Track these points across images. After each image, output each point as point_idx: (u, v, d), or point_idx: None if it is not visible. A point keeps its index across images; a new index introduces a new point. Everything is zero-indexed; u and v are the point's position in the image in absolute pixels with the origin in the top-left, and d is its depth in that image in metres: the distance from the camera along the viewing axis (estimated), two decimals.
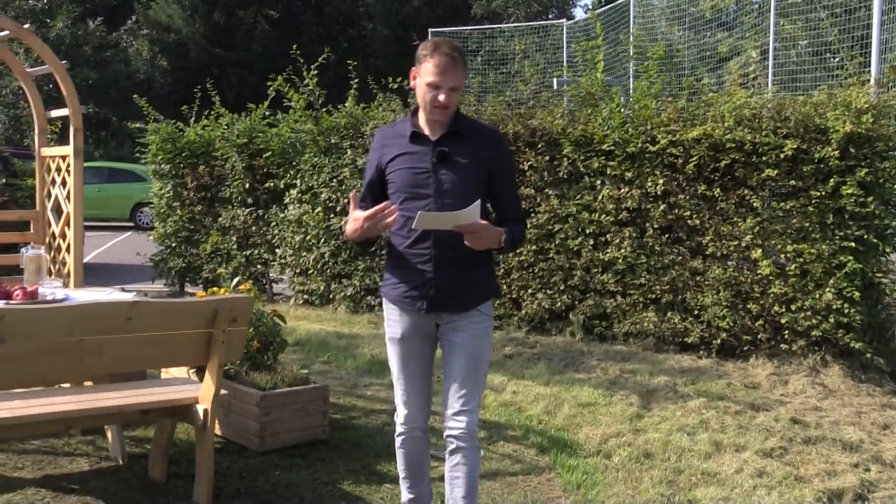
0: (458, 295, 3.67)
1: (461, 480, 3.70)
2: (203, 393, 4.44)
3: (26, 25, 5.88)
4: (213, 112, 11.36)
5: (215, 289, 5.68)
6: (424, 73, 3.57)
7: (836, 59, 11.56)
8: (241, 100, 21.59)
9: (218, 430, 5.19)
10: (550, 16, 36.30)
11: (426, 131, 3.67)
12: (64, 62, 5.85)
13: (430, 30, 23.78)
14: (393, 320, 3.80)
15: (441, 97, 3.54)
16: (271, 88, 10.51)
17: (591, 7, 37.59)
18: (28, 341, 3.84)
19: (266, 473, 4.88)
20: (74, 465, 4.92)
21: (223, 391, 4.67)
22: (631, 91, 9.22)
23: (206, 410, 4.40)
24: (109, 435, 5.06)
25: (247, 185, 10.80)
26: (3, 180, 11.85)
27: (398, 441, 3.90)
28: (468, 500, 3.71)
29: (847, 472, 5.09)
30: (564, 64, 20.18)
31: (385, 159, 3.72)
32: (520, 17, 33.27)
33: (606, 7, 22.93)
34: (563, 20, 23.52)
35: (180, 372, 5.69)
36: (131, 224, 23.90)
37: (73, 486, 4.62)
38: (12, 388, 4.26)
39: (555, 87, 12.74)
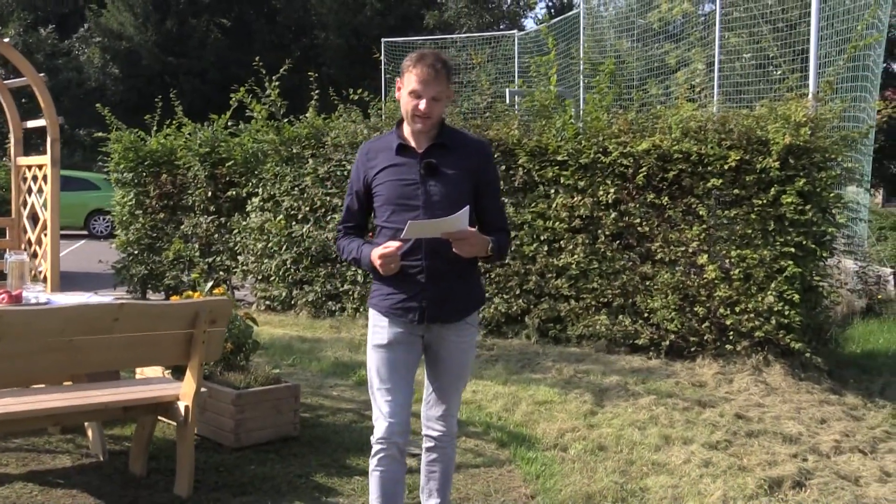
0: (450, 306, 3.69)
1: (437, 474, 3.87)
2: (184, 390, 4.69)
3: (6, 39, 6.08)
4: (174, 121, 11.55)
5: (191, 293, 5.92)
6: (407, 83, 3.59)
7: (779, 73, 12.04)
8: (195, 108, 21.70)
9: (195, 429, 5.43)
10: (502, 26, 36.75)
11: (412, 143, 3.68)
12: (42, 75, 6.07)
13: (382, 40, 24.02)
14: (380, 327, 3.75)
15: (422, 106, 3.56)
16: (233, 99, 10.74)
17: (540, 20, 38.13)
18: (22, 340, 4.07)
19: (242, 468, 5.13)
20: (57, 462, 5.14)
21: (202, 389, 4.92)
22: (582, 101, 9.57)
23: (187, 407, 4.66)
24: (90, 433, 5.28)
25: (209, 194, 11.01)
26: None
27: (373, 462, 3.71)
28: (442, 492, 3.89)
29: (786, 461, 5.43)
30: (516, 75, 20.55)
31: (372, 172, 3.71)
32: (471, 27, 33.66)
33: (557, 19, 23.37)
34: (515, 31, 23.88)
35: (154, 373, 5.93)
36: (85, 232, 23.83)
37: (58, 480, 4.84)
38: (8, 383, 4.48)
39: (507, 98, 13.09)
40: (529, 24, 40.86)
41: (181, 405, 4.67)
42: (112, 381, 5.20)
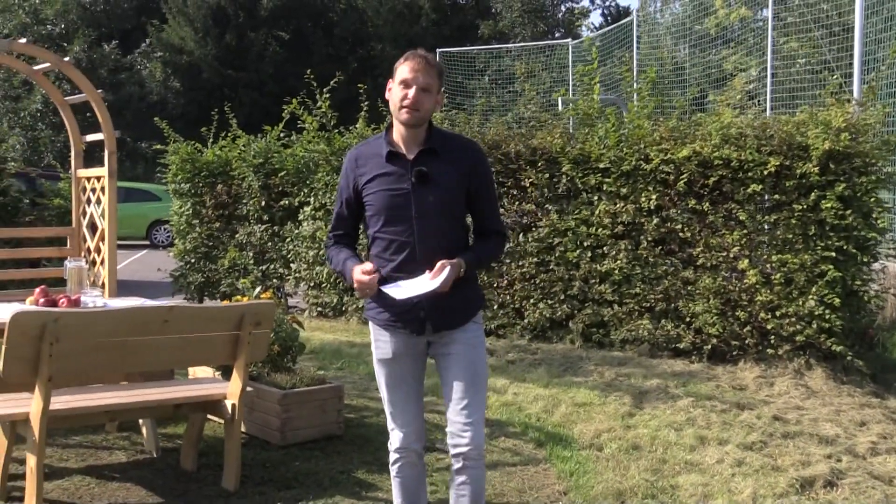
0: (451, 313, 3.64)
1: (466, 499, 3.67)
2: (231, 389, 4.93)
3: (67, 58, 6.42)
4: (229, 133, 11.90)
5: (240, 298, 6.19)
6: (398, 76, 3.55)
7: (834, 77, 12.04)
8: (253, 120, 22.19)
9: (242, 427, 5.67)
10: (557, 35, 36.89)
11: (402, 149, 3.61)
12: (100, 91, 6.40)
13: (437, 50, 24.33)
14: (382, 341, 3.72)
15: (411, 93, 3.50)
16: (286, 111, 11.06)
17: (596, 27, 38.21)
18: (79, 341, 4.33)
19: (287, 464, 5.37)
20: (113, 458, 5.43)
21: (248, 389, 5.17)
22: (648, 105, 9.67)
23: (233, 405, 4.90)
24: (144, 430, 5.56)
25: (263, 203, 11.33)
26: (27, 200, 12.34)
27: (393, 469, 3.78)
28: None
29: (820, 462, 5.49)
30: (570, 83, 20.66)
31: (362, 180, 3.64)
32: (526, 37, 33.85)
33: (611, 26, 23.43)
34: (569, 39, 24.00)
35: (204, 373, 6.20)
36: (147, 242, 24.43)
37: (114, 474, 5.12)
38: (65, 381, 4.75)
39: (560, 106, 13.26)
40: (584, 32, 40.93)
41: (228, 403, 4.92)
42: (165, 380, 5.47)
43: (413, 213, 3.56)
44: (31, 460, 4.31)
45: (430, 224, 3.56)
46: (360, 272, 3.51)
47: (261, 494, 4.86)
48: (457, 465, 3.66)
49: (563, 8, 39.62)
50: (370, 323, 3.77)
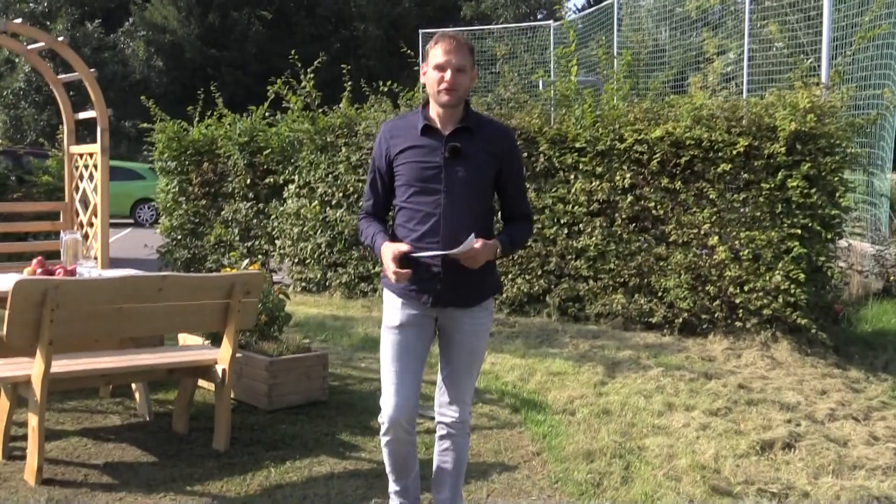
0: (465, 290, 3.67)
1: (449, 464, 3.83)
2: (222, 355, 5.19)
3: (60, 39, 6.63)
4: (215, 112, 12.11)
5: (228, 269, 6.43)
6: (432, 59, 3.60)
7: (808, 61, 12.33)
8: (236, 99, 22.33)
9: (231, 393, 5.94)
10: (539, 16, 37.08)
11: (438, 125, 3.66)
12: (92, 70, 6.61)
13: (420, 31, 24.47)
14: (393, 308, 3.75)
15: (447, 76, 3.55)
16: (270, 91, 11.28)
17: (578, 9, 38.42)
18: (78, 307, 4.58)
19: (274, 427, 5.64)
20: (108, 421, 5.69)
21: (237, 355, 5.43)
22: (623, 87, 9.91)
23: (224, 370, 5.17)
24: (137, 395, 5.82)
25: (248, 181, 11.56)
26: (14, 178, 12.51)
27: (383, 440, 3.80)
28: (454, 484, 3.88)
29: (780, 426, 5.79)
30: (552, 65, 20.88)
31: (394, 150, 3.69)
32: (508, 18, 34.03)
33: (593, 8, 23.61)
34: (551, 21, 24.18)
35: (193, 341, 6.46)
36: (131, 221, 24.56)
37: (109, 436, 5.38)
38: (65, 345, 5.00)
39: (541, 87, 13.49)
40: (568, 14, 41.10)
41: (219, 368, 5.18)
42: (159, 347, 5.73)
43: (442, 187, 3.60)
44: (33, 420, 4.56)
45: (458, 199, 3.59)
46: (391, 259, 3.55)
47: (250, 455, 5.12)
48: (441, 432, 3.82)
49: None
50: (385, 291, 3.80)
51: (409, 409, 3.70)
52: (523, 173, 3.93)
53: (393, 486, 3.95)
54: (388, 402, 3.71)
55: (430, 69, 3.62)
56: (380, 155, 3.76)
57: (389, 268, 3.57)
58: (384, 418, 3.72)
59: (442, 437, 3.84)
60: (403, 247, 3.57)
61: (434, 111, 3.68)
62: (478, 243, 3.51)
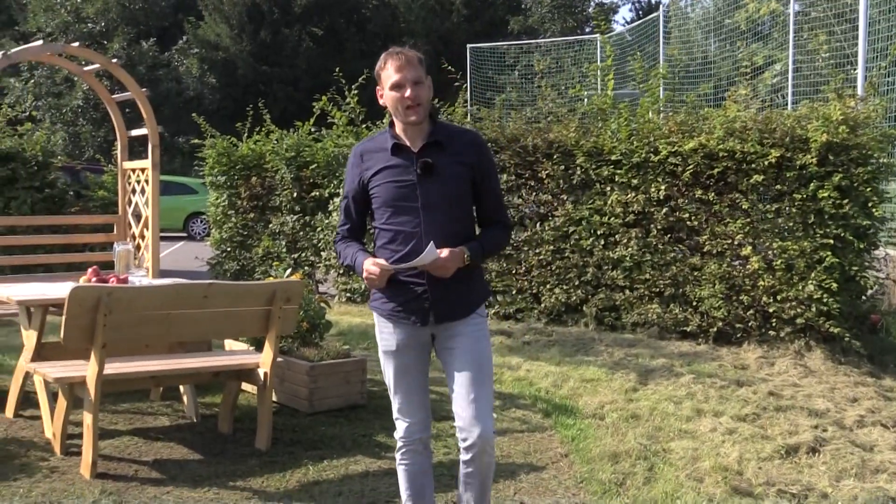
0: (455, 302, 3.64)
1: (475, 486, 3.71)
2: (264, 359, 5.47)
3: (114, 60, 7.00)
4: (263, 128, 12.50)
5: (272, 277, 6.73)
6: (386, 80, 3.58)
7: (839, 76, 12.41)
8: (287, 114, 22.76)
9: (274, 396, 6.22)
10: (587, 30, 37.21)
11: (407, 142, 3.64)
12: (144, 89, 6.97)
13: (468, 45, 24.79)
14: (387, 333, 3.73)
15: (408, 92, 3.52)
16: (316, 107, 11.62)
17: (627, 21, 38.44)
18: (128, 313, 4.89)
19: (314, 429, 5.91)
20: (157, 422, 6.00)
21: (279, 360, 5.71)
22: (660, 99, 10.09)
23: (266, 373, 5.44)
24: (185, 398, 6.13)
25: (295, 195, 11.90)
26: (72, 192, 13.00)
27: (398, 456, 3.81)
28: (480, 501, 3.77)
29: (807, 431, 5.90)
30: (599, 78, 21.02)
31: (368, 174, 3.66)
32: (555, 31, 34.23)
33: (641, 21, 23.73)
34: (597, 35, 24.34)
35: (238, 346, 6.76)
36: (184, 234, 25.11)
37: (159, 436, 5.69)
38: (117, 349, 5.30)
39: (585, 101, 13.69)
40: (615, 27, 41.22)
41: (261, 371, 5.46)
42: (206, 351, 6.04)
43: (419, 205, 3.57)
44: (88, 418, 4.87)
45: (436, 215, 3.57)
46: (372, 263, 3.54)
47: (290, 454, 5.39)
48: (465, 456, 3.65)
49: (592, 3, 39.90)
50: (375, 314, 3.78)
51: (423, 425, 3.76)
52: (498, 180, 3.88)
53: None
54: (400, 423, 3.77)
55: (386, 90, 3.59)
56: (353, 181, 3.74)
57: (370, 271, 3.54)
58: (400, 436, 3.78)
59: (466, 462, 3.67)
60: (382, 261, 3.55)
61: (401, 128, 3.66)
62: (443, 252, 3.50)
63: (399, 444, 3.79)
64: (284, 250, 12.01)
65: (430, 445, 3.82)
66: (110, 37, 33.39)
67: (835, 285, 7.88)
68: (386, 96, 3.62)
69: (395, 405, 3.78)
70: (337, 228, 3.89)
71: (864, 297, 8.58)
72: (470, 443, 3.60)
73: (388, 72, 3.57)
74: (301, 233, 11.94)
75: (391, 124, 3.72)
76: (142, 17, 37.12)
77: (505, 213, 3.88)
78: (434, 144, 3.64)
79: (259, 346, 6.39)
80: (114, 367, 5.12)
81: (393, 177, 3.61)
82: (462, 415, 3.61)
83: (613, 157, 9.09)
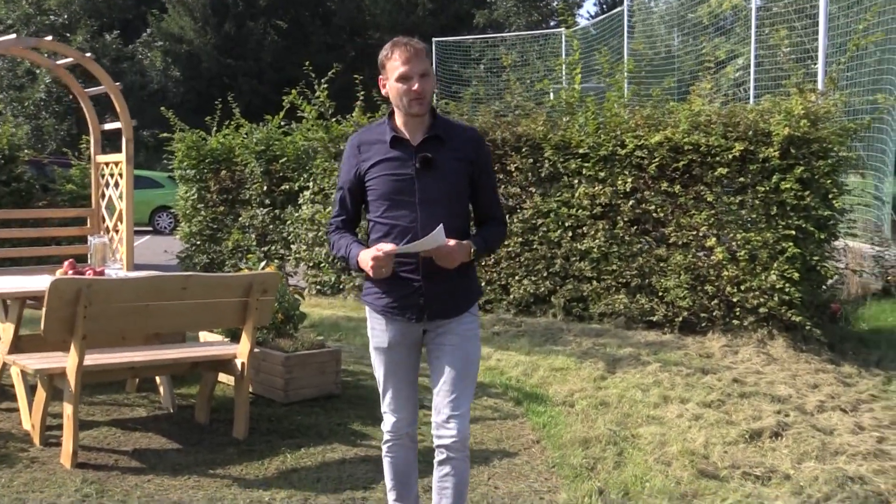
0: (448, 301, 3.61)
1: (450, 491, 3.64)
2: (241, 349, 5.56)
3: (88, 54, 7.04)
4: (232, 122, 12.53)
5: (246, 270, 6.81)
6: (392, 71, 3.51)
7: (801, 71, 12.66)
8: (252, 108, 22.77)
9: (250, 387, 6.30)
10: (551, 24, 37.43)
11: (406, 135, 3.57)
12: (118, 84, 7.01)
13: (433, 39, 24.88)
14: (379, 329, 3.69)
15: (415, 86, 3.47)
16: (286, 101, 11.69)
17: (591, 16, 38.72)
18: (109, 305, 4.95)
19: (290, 418, 6.00)
20: (135, 413, 6.07)
21: (255, 350, 5.80)
22: (625, 94, 10.25)
23: (243, 363, 5.53)
24: (161, 389, 6.19)
25: (264, 188, 11.96)
26: (38, 186, 12.95)
27: (385, 448, 3.81)
28: None
29: (770, 416, 6.10)
30: (563, 72, 21.18)
31: (365, 165, 3.60)
32: (521, 25, 34.40)
33: (605, 15, 23.94)
34: (562, 29, 24.51)
35: (214, 338, 6.84)
36: (150, 228, 25.01)
37: (137, 426, 5.76)
38: (97, 340, 5.38)
39: (551, 96, 13.84)
40: (580, 21, 41.46)
41: (238, 362, 5.55)
42: (182, 343, 6.11)
43: (416, 199, 3.52)
44: (68, 408, 4.93)
45: (433, 210, 3.50)
46: (377, 248, 3.45)
47: (267, 443, 5.49)
48: (440, 457, 3.63)
49: None
50: (367, 309, 3.73)
51: (411, 420, 3.75)
52: (494, 177, 3.86)
53: None
54: (388, 417, 3.76)
55: (391, 81, 3.52)
56: (349, 171, 3.67)
57: (377, 256, 3.43)
58: (388, 430, 3.77)
59: (441, 463, 3.64)
60: (386, 246, 3.46)
61: (401, 121, 3.60)
62: (451, 241, 3.45)
63: (386, 437, 3.79)
64: (254, 243, 12.06)
65: (416, 438, 3.82)
66: (73, 29, 33.09)
67: (796, 275, 8.08)
68: (390, 87, 3.55)
69: (384, 400, 3.76)
70: (330, 219, 3.82)
71: (824, 287, 8.79)
72: (444, 441, 3.59)
73: (395, 62, 3.50)
74: (271, 226, 12.00)
75: (390, 115, 3.65)
76: (105, 10, 36.87)
77: (501, 209, 3.84)
78: (434, 139, 3.58)
79: (234, 338, 6.48)
80: (93, 359, 5.18)
81: (390, 170, 3.55)
82: (440, 410, 3.61)
83: (581, 151, 9.23)
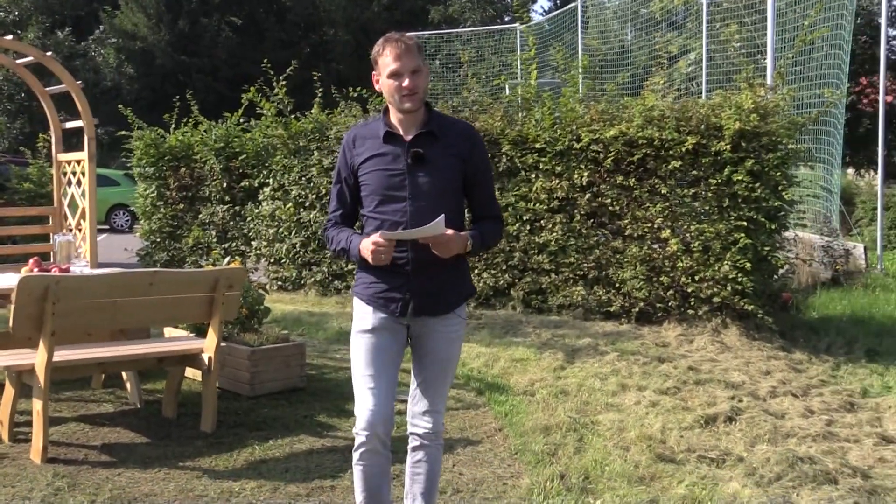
0: (436, 298, 3.58)
1: (422, 477, 3.69)
2: (208, 344, 5.65)
3: (49, 53, 7.06)
4: (190, 119, 12.55)
5: (211, 266, 6.88)
6: (383, 68, 3.49)
7: (751, 66, 12.93)
8: (207, 105, 22.61)
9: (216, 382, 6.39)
10: (506, 19, 37.64)
11: (400, 131, 3.56)
12: (79, 82, 7.04)
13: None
14: (364, 315, 3.63)
15: (406, 82, 3.45)
16: (244, 99, 11.73)
17: (545, 11, 38.98)
18: (77, 301, 5.02)
19: (257, 411, 6.10)
20: (102, 409, 6.13)
21: (222, 345, 5.88)
22: (580, 89, 10.42)
23: (210, 357, 5.62)
24: (128, 385, 6.26)
25: (224, 185, 12.00)
26: None
27: (356, 455, 3.58)
28: (427, 497, 3.73)
29: (724, 402, 6.30)
30: (519, 67, 21.35)
31: (358, 160, 3.59)
32: (476, 21, 34.55)
33: (559, 11, 24.13)
34: (517, 24, 24.67)
35: (179, 333, 6.90)
36: (107, 226, 24.82)
37: (104, 422, 5.82)
38: (66, 336, 5.44)
39: (507, 90, 14.00)
40: (534, 17, 41.71)
41: (205, 356, 5.64)
42: (148, 338, 6.18)
43: (408, 195, 3.50)
44: (38, 404, 4.99)
45: (425, 206, 3.47)
46: (378, 235, 3.42)
47: (235, 435, 5.58)
48: (414, 443, 3.66)
49: None
50: (355, 299, 3.69)
51: (386, 417, 3.53)
52: (490, 174, 3.79)
53: None
54: (363, 410, 3.53)
55: (383, 77, 3.51)
56: (344, 164, 3.66)
57: (378, 242, 3.41)
58: (360, 428, 3.53)
59: (415, 449, 3.68)
60: (388, 232, 3.44)
61: (395, 117, 3.58)
62: (449, 231, 3.42)
63: (357, 441, 3.56)
64: (215, 240, 12.10)
65: (389, 445, 3.62)
66: (24, 26, 32.72)
67: (748, 265, 8.31)
68: (382, 83, 3.54)
69: (359, 390, 3.58)
70: (328, 215, 3.77)
71: (775, 277, 9.05)
72: (418, 431, 3.65)
73: (386, 59, 3.48)
74: (231, 223, 12.05)
75: (385, 111, 3.63)
76: (57, 6, 36.46)
77: (497, 207, 3.80)
78: (427, 134, 3.56)
79: (199, 333, 6.56)
80: (61, 355, 5.24)
81: (382, 165, 3.54)
82: (417, 403, 3.65)
83: (538, 146, 9.40)
